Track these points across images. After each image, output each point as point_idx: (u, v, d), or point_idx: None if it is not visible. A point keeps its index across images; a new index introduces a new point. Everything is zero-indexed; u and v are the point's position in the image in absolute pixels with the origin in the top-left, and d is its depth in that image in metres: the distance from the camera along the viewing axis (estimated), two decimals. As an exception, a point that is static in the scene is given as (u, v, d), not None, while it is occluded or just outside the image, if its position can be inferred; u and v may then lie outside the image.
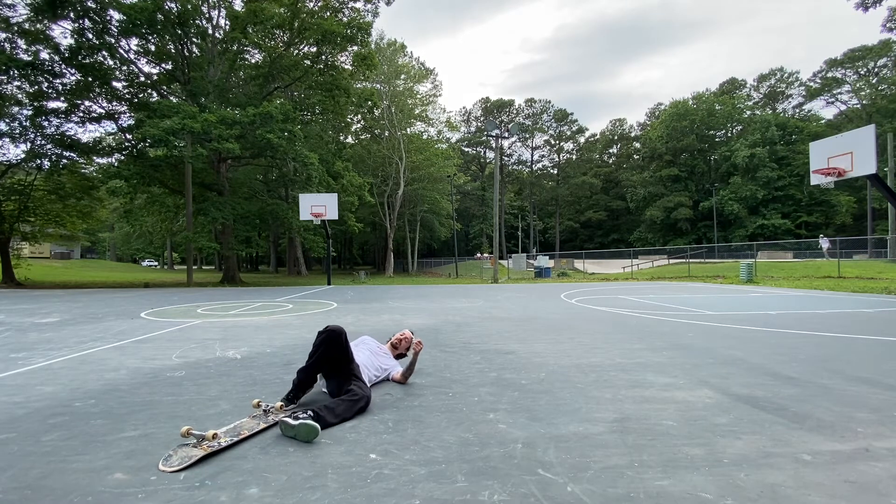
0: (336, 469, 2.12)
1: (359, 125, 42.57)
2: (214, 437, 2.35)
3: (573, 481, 1.98)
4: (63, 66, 19.93)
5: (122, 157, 23.14)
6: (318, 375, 3.18)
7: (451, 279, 28.88)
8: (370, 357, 3.63)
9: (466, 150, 72.92)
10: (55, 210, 23.22)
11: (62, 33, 22.53)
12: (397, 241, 45.03)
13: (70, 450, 2.37)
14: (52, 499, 1.86)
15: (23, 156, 21.12)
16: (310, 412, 2.60)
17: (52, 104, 20.98)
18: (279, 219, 25.37)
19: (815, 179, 11.99)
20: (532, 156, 76.79)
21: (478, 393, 3.41)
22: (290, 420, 2.47)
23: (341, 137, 37.45)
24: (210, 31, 23.51)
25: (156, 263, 66.15)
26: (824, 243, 28.19)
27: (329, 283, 21.47)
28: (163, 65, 23.75)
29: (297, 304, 11.11)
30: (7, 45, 19.08)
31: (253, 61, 25.25)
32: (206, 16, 23.31)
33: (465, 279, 27.99)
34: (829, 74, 52.46)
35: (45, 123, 20.86)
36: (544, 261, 30.16)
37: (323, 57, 24.26)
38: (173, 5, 20.23)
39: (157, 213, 26.13)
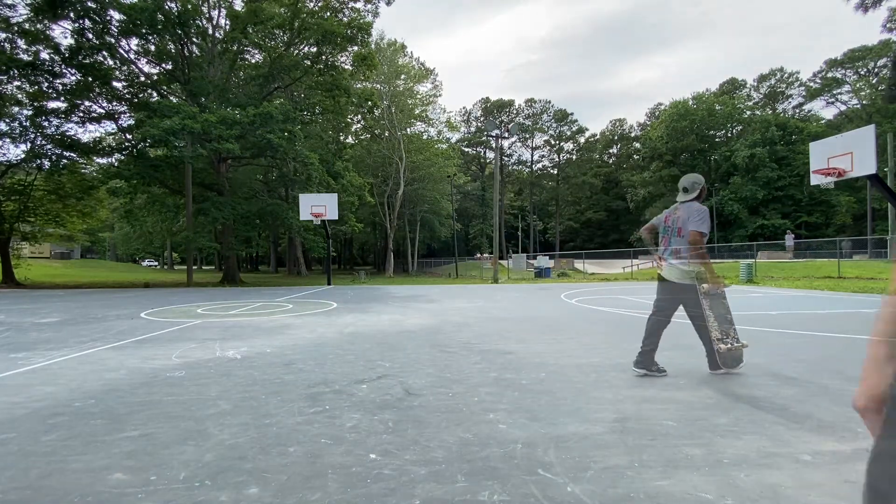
0: (336, 469, 2.12)
1: (359, 125, 42.56)
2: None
3: (573, 481, 1.98)
4: (63, 66, 19.93)
5: (122, 157, 23.13)
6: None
7: (451, 279, 28.86)
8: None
9: (466, 150, 72.81)
10: (55, 210, 23.23)
11: (62, 33, 22.54)
12: (397, 241, 45.01)
13: (70, 450, 2.37)
14: (52, 499, 1.86)
15: (23, 156, 21.13)
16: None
17: (52, 104, 21.04)
18: (279, 219, 25.36)
19: (815, 179, 11.97)
20: (532, 156, 76.73)
21: (478, 393, 3.40)
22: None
23: (341, 137, 37.47)
24: (210, 31, 23.51)
25: (156, 263, 66.10)
26: (788, 241, 29.14)
27: (329, 283, 21.46)
28: (163, 65, 23.75)
29: (297, 304, 11.11)
30: (7, 45, 19.08)
31: (253, 61, 25.28)
32: (207, 16, 23.31)
33: (465, 279, 27.97)
34: (829, 74, 52.40)
35: (45, 123, 20.87)
36: (544, 261, 30.13)
37: (323, 57, 24.27)
38: (173, 5, 20.24)
39: (157, 213, 26.10)
